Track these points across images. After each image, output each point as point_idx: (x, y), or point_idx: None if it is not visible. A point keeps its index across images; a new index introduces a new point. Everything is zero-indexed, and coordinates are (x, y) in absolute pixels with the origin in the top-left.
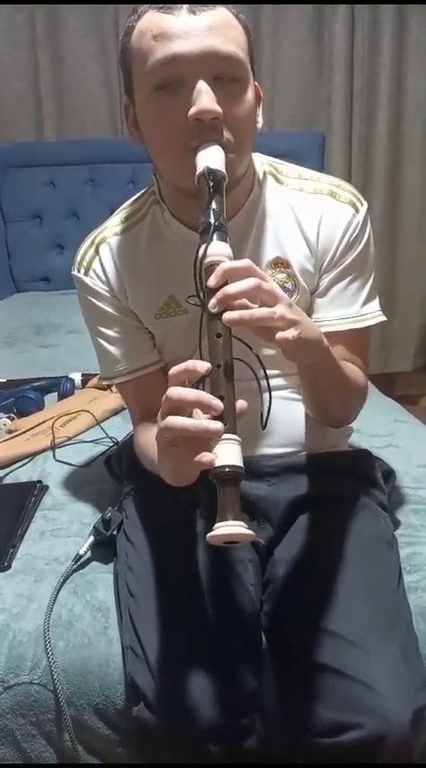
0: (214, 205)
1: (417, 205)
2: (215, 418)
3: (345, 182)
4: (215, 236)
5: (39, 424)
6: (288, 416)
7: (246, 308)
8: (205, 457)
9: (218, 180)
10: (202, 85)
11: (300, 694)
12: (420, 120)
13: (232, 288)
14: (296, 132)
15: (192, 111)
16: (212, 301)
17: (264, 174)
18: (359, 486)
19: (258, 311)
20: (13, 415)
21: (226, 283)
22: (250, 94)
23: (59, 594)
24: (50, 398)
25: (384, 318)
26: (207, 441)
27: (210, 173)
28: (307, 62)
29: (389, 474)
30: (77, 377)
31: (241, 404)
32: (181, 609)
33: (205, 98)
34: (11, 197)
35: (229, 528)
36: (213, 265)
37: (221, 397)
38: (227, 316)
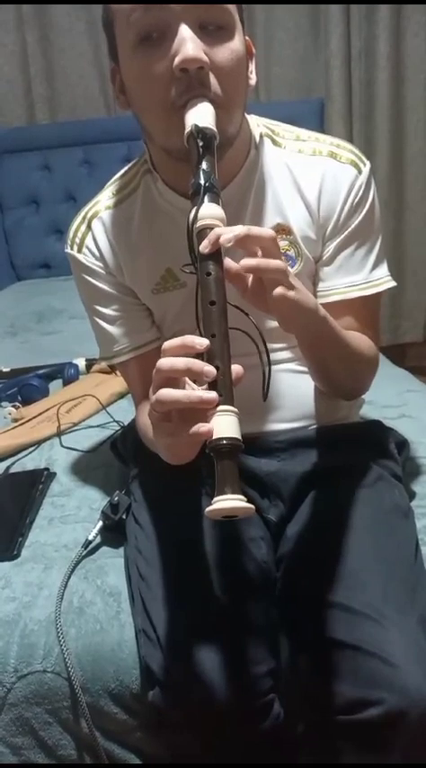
0: (204, 165)
1: (421, 170)
2: (210, 388)
3: (346, 141)
4: (206, 198)
5: (45, 412)
6: (296, 390)
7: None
8: (202, 427)
9: (208, 138)
10: (185, 31)
11: (318, 672)
12: (421, 82)
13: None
14: (294, 101)
15: (177, 60)
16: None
17: (261, 136)
18: (372, 458)
19: (273, 261)
20: (17, 403)
21: (218, 250)
22: (238, 44)
23: (70, 581)
24: (55, 385)
25: (394, 284)
26: (202, 413)
27: (199, 131)
28: (303, 27)
29: (403, 444)
30: (81, 362)
31: (236, 369)
32: (193, 590)
33: (189, 45)
34: (6, 183)
35: (227, 502)
36: (205, 229)
37: (216, 368)
38: (245, 261)
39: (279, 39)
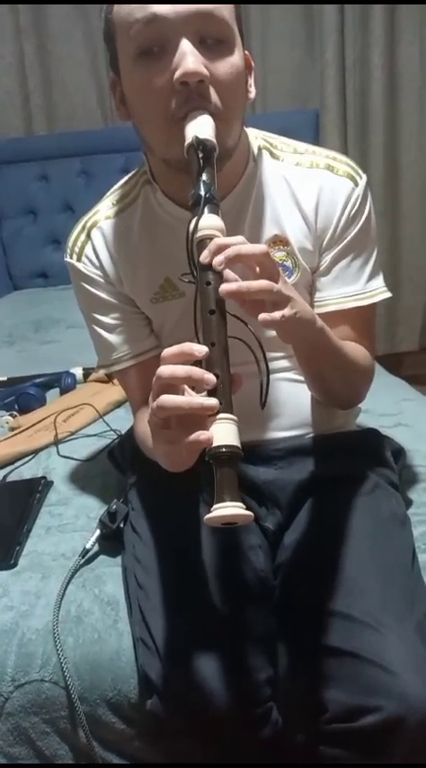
0: (204, 177)
1: (416, 178)
2: (209, 396)
3: (342, 154)
4: (206, 209)
5: (42, 420)
6: (294, 399)
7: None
8: (202, 435)
9: (208, 150)
10: (186, 45)
11: (316, 680)
12: (415, 90)
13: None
14: (289, 111)
15: (177, 74)
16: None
17: (259, 149)
18: (369, 466)
19: (256, 282)
20: (14, 412)
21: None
22: (237, 58)
23: (68, 590)
24: (52, 394)
25: (389, 294)
26: (202, 420)
27: (199, 143)
28: (298, 37)
29: (399, 452)
30: (78, 371)
31: (235, 376)
32: (191, 598)
33: (189, 59)
34: (4, 194)
35: (226, 509)
36: (205, 239)
37: (216, 376)
38: (224, 287)
39: (274, 49)
